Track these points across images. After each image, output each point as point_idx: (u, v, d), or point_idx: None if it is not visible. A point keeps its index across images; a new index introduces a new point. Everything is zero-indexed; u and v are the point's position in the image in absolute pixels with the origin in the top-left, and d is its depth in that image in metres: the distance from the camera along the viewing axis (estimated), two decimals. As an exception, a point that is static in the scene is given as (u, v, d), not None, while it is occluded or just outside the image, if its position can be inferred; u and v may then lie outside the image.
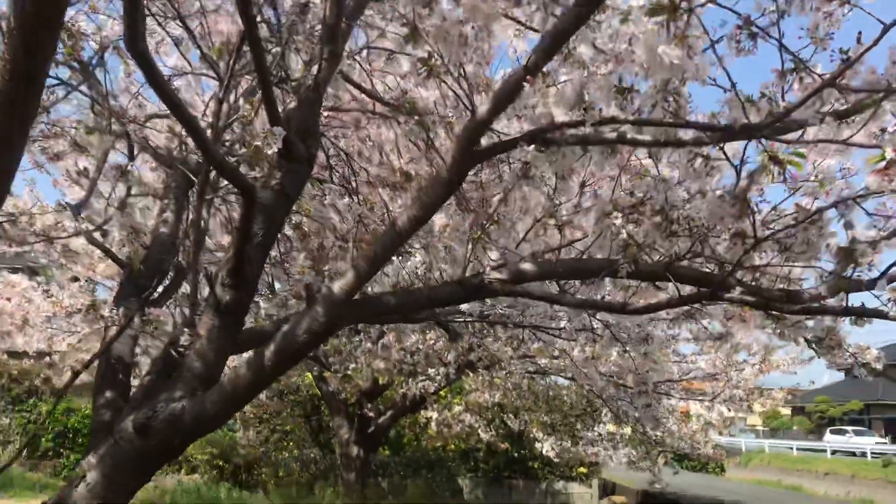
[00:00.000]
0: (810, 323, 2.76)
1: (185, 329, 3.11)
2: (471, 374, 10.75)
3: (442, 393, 14.73)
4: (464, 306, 5.43)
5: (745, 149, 2.34)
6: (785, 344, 11.00)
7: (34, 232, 4.05)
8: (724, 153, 2.38)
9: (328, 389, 12.50)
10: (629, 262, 2.97)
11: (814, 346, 2.80)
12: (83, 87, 4.14)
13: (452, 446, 17.89)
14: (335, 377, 11.29)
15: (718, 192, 2.54)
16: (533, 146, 2.54)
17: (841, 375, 51.73)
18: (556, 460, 11.92)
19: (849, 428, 38.47)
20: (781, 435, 47.60)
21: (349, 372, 10.11)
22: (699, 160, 2.41)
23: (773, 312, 2.65)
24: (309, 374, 14.25)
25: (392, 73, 4.12)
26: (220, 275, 2.97)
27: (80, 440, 17.46)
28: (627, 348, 4.94)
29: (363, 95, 4.10)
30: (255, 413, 18.71)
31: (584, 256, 3.22)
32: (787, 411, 49.98)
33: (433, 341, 9.69)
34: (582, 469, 20.88)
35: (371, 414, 11.46)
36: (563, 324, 5.35)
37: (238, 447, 17.66)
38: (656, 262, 3.07)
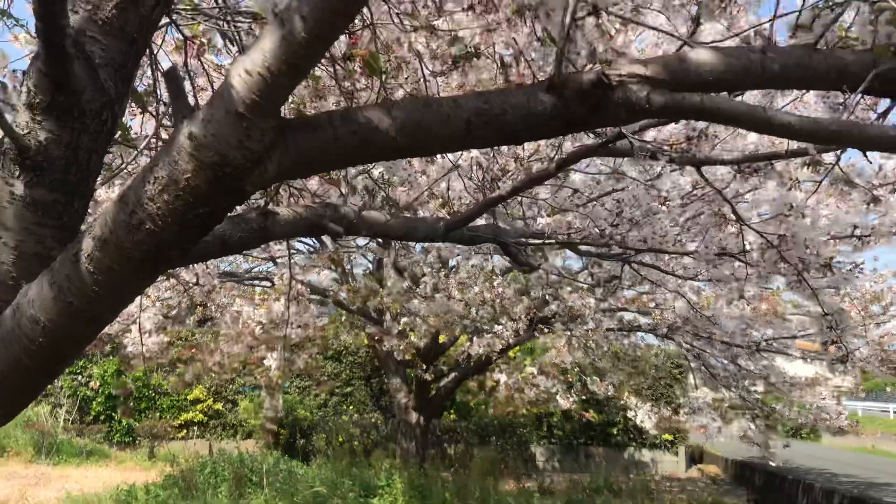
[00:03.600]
0: None
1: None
2: (546, 331, 9.08)
3: (511, 353, 13.16)
4: (545, 221, 3.72)
5: None
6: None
7: None
8: None
9: (383, 349, 11.04)
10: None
11: None
12: None
13: (524, 411, 16.36)
14: (389, 335, 9.82)
15: None
16: None
17: (943, 334, 47.79)
18: (652, 431, 10.18)
19: (954, 390, 35.29)
20: (874, 397, 44.53)
21: (401, 328, 8.58)
22: None
23: None
24: (363, 334, 12.84)
25: None
26: (26, 86, 1.37)
27: (131, 404, 16.66)
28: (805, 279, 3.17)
29: None
30: (311, 375, 17.63)
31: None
32: (880, 372, 46.53)
33: (501, 289, 8.04)
34: (667, 436, 19.05)
35: (428, 377, 9.95)
36: (692, 247, 3.60)
37: (297, 411, 16.59)
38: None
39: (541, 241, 3.47)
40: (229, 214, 2.04)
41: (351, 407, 17.75)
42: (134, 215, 1.11)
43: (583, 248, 4.46)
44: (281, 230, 2.19)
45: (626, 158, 3.87)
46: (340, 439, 15.82)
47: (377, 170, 2.96)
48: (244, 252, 10.83)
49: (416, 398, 11.69)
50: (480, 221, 3.78)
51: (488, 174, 3.73)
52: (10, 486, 11.23)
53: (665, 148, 2.79)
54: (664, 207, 3.41)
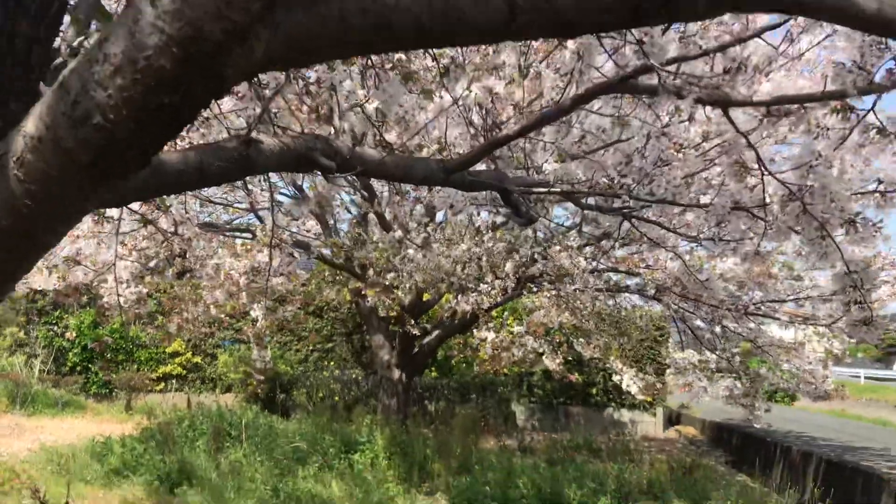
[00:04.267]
0: None
1: None
2: (535, 290, 8.89)
3: (495, 313, 13.03)
4: (551, 168, 3.46)
5: None
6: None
7: None
8: None
9: (366, 305, 10.84)
10: None
11: None
12: None
13: (506, 371, 16.34)
14: (374, 291, 9.60)
15: None
16: None
17: (914, 302, 48.60)
18: (639, 397, 10.11)
19: (922, 356, 36.02)
20: (845, 362, 45.32)
21: (387, 283, 8.35)
22: None
23: None
24: (346, 290, 12.63)
25: None
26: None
27: (108, 355, 16.41)
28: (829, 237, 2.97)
29: None
30: (293, 331, 17.46)
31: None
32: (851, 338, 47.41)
33: (491, 244, 7.82)
34: (646, 398, 19.19)
35: (415, 332, 9.77)
36: (705, 199, 3.38)
37: (277, 366, 16.39)
38: None
39: (546, 189, 3.22)
40: (206, 142, 1.78)
41: (332, 363, 17.62)
42: (77, 106, 0.85)
43: (585, 200, 4.24)
44: (265, 161, 1.93)
45: (637, 103, 3.63)
46: (321, 395, 15.70)
47: (372, 104, 2.68)
48: (225, 204, 10.51)
49: (399, 355, 11.54)
50: (481, 167, 3.53)
51: (490, 117, 3.46)
52: (-17, 437, 11.01)
53: (693, 85, 2.54)
54: (679, 155, 3.18)
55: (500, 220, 9.50)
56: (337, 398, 15.64)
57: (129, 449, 8.97)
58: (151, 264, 8.16)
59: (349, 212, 12.01)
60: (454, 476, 9.44)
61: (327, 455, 9.83)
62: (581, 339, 9.11)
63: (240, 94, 2.21)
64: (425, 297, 11.52)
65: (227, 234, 9.29)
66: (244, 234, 9.57)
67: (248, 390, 15.87)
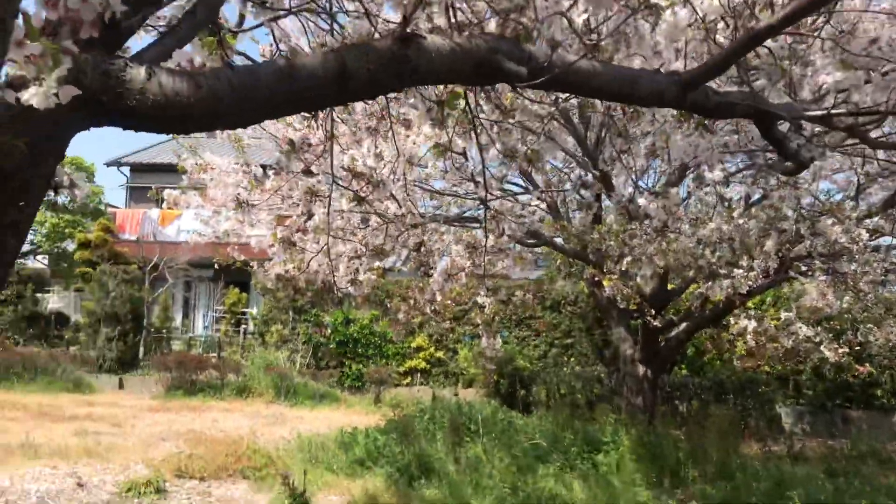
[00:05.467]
0: None
1: None
2: (805, 270, 7.59)
3: (751, 303, 11.59)
4: (831, 80, 2.60)
5: None
6: None
7: None
8: None
9: (604, 296, 10.12)
10: None
11: None
12: None
13: (768, 368, 14.52)
14: (610, 280, 8.87)
15: None
16: None
17: None
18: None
19: None
20: None
21: (624, 268, 7.59)
22: None
23: None
24: (582, 281, 12.00)
25: None
26: None
27: (359, 350, 17.36)
28: None
29: None
30: (530, 325, 17.20)
31: None
32: None
33: (742, 221, 6.73)
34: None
35: (658, 323, 8.84)
36: None
37: (516, 361, 16.19)
38: None
39: (825, 112, 2.39)
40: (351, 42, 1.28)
41: (572, 359, 17.07)
42: None
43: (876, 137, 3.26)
44: (429, 65, 1.43)
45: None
46: (563, 391, 15.18)
47: (580, 14, 2.09)
48: (455, 196, 10.30)
49: (642, 349, 10.65)
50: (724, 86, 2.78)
51: (741, 25, 2.69)
52: (251, 424, 12.04)
53: None
54: None
55: (757, 194, 8.29)
56: (579, 395, 15.02)
57: (372, 440, 9.16)
58: (390, 261, 8.22)
59: (579, 195, 11.35)
60: (712, 484, 8.40)
61: (569, 454, 9.28)
62: (870, 326, 7.57)
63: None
64: (670, 286, 10.53)
65: (456, 224, 9.15)
66: (473, 225, 9.38)
67: (488, 385, 15.86)
